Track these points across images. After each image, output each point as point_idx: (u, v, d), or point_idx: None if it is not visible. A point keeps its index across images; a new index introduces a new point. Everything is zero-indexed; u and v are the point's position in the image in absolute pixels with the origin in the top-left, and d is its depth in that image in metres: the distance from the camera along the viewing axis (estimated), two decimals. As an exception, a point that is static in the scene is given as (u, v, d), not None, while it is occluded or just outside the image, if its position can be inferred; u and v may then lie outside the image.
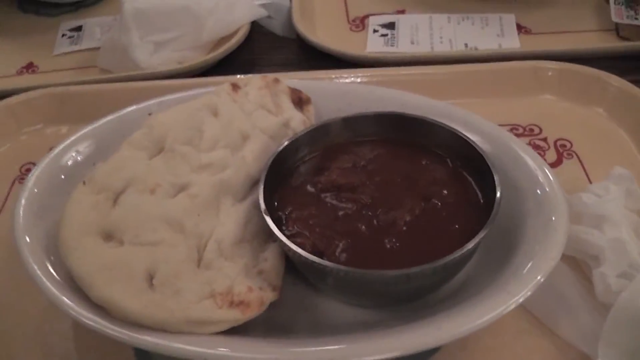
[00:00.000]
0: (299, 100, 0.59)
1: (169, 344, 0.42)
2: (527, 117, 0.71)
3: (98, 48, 0.86)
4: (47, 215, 0.51)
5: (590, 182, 0.63)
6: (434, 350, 0.49)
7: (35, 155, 0.60)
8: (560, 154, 0.67)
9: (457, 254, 0.44)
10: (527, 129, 0.70)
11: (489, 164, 0.50)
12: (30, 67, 0.88)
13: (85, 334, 0.52)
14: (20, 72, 0.87)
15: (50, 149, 0.57)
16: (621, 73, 0.72)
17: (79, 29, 0.93)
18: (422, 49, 0.84)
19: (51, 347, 0.52)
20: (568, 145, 0.68)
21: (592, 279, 0.52)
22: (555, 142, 0.69)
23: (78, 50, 0.90)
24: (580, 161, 0.66)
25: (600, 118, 0.71)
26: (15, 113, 0.74)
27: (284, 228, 0.48)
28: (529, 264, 0.46)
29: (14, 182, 0.68)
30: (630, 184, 0.57)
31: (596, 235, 0.53)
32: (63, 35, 0.92)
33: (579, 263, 0.55)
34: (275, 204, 0.50)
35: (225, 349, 0.42)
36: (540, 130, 0.70)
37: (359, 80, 0.72)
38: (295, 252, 0.45)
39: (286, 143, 0.53)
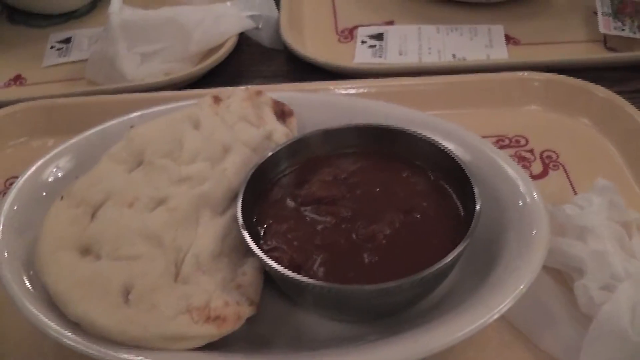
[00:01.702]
0: (282, 113, 0.59)
1: (143, 362, 0.42)
2: (513, 128, 0.71)
3: (86, 60, 0.85)
4: (28, 230, 0.51)
5: (576, 193, 0.63)
6: (416, 364, 0.49)
7: (21, 168, 0.60)
8: (546, 165, 0.67)
9: (435, 267, 0.43)
10: (513, 140, 0.70)
11: (469, 176, 0.49)
12: (18, 79, 0.88)
13: (66, 350, 0.51)
14: (8, 85, 0.87)
15: (31, 163, 0.56)
16: (609, 84, 0.72)
17: (68, 40, 0.93)
18: (410, 59, 0.84)
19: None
20: (554, 156, 0.68)
21: (574, 291, 0.51)
22: (541, 154, 0.68)
23: (67, 62, 0.90)
24: (566, 172, 0.66)
25: (587, 129, 0.71)
26: (0, 126, 0.73)
27: (262, 242, 0.48)
28: (509, 277, 0.46)
29: (-1, 196, 0.68)
30: (613, 195, 0.56)
31: (579, 248, 0.52)
32: (52, 47, 0.92)
33: (562, 275, 0.54)
34: (255, 217, 0.50)
35: (201, 365, 0.42)
36: (527, 141, 0.70)
37: (346, 91, 0.72)
38: (272, 267, 0.45)
39: (267, 156, 0.53)
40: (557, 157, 0.68)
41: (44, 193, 0.54)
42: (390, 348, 0.42)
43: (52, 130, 0.74)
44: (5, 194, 0.66)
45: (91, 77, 0.83)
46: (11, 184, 0.68)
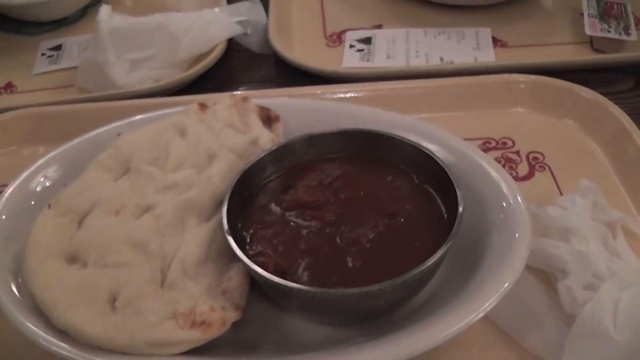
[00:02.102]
0: (268, 119, 0.60)
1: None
2: (500, 130, 0.72)
3: (77, 67, 0.86)
4: (16, 239, 0.51)
5: (562, 194, 0.64)
6: (401, 366, 0.50)
7: (11, 177, 0.61)
8: (533, 166, 0.68)
9: (417, 270, 0.44)
10: (500, 142, 0.71)
11: (452, 179, 0.50)
12: (8, 87, 0.88)
13: (57, 358, 0.52)
14: (-2, 93, 0.87)
15: (19, 173, 0.57)
16: (595, 85, 0.73)
17: (58, 47, 0.93)
18: (398, 63, 0.84)
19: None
20: (540, 157, 0.69)
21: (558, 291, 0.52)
22: (527, 155, 0.69)
23: (57, 69, 0.90)
24: (552, 174, 0.67)
25: (573, 130, 0.71)
26: (-9, 134, 0.74)
27: (247, 247, 0.48)
28: (491, 279, 0.46)
29: (-11, 204, 0.68)
30: (597, 196, 0.57)
31: (562, 248, 0.53)
32: (42, 54, 0.93)
33: (547, 275, 0.55)
34: (240, 223, 0.51)
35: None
36: (513, 143, 0.71)
37: (334, 96, 0.73)
38: (256, 272, 0.45)
39: (252, 162, 0.53)
40: (544, 158, 0.68)
41: (32, 202, 0.54)
42: (374, 350, 0.43)
43: (42, 139, 0.74)
44: (-5, 202, 0.67)
45: (81, 84, 0.84)
46: (1, 192, 0.69)
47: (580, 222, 0.54)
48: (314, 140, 0.56)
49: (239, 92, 0.62)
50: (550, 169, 0.67)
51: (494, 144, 0.71)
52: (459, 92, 0.74)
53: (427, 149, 0.53)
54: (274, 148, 0.55)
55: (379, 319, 0.49)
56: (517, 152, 0.69)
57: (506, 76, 0.74)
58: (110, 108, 0.74)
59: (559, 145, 0.70)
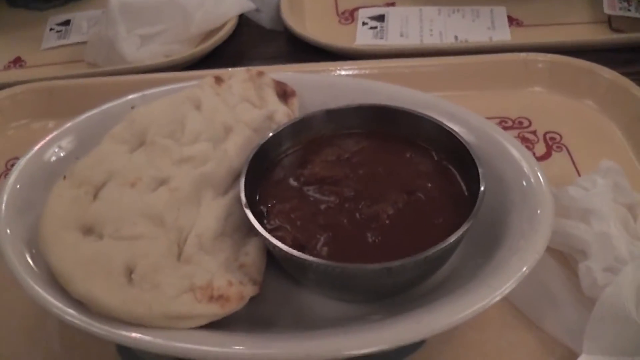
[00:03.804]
0: (284, 93, 0.59)
1: (148, 340, 0.41)
2: (516, 109, 0.71)
3: (86, 42, 0.85)
4: (30, 210, 0.50)
5: (580, 175, 0.63)
6: (419, 344, 0.49)
7: (22, 150, 0.60)
8: (550, 146, 0.67)
9: (439, 247, 0.43)
10: (516, 121, 0.70)
11: (474, 157, 0.49)
12: (18, 62, 0.87)
13: (70, 330, 0.51)
14: (7, 67, 0.87)
15: (33, 144, 0.56)
16: (613, 65, 0.71)
17: (67, 23, 0.93)
18: (411, 41, 0.83)
19: (35, 343, 0.51)
20: (557, 138, 0.68)
21: (578, 273, 0.51)
22: (544, 135, 0.68)
23: (66, 44, 0.89)
24: (569, 154, 0.66)
25: (591, 111, 0.70)
26: (1, 108, 0.73)
27: (265, 222, 0.47)
28: (513, 258, 0.45)
29: (0, 178, 0.67)
30: (619, 177, 0.56)
31: (583, 229, 0.52)
32: (51, 29, 0.92)
33: (565, 257, 0.54)
34: (257, 197, 0.50)
35: (203, 344, 0.41)
36: (530, 122, 0.70)
37: (347, 73, 0.72)
38: (275, 246, 0.44)
39: (269, 136, 0.53)
40: (561, 138, 0.68)
41: (46, 173, 0.53)
42: (393, 328, 0.42)
43: (52, 112, 0.73)
44: (6, 175, 0.67)
45: (91, 59, 0.83)
46: (12, 165, 0.68)
47: (602, 204, 0.53)
48: (331, 115, 0.55)
49: (254, 67, 0.61)
50: (567, 150, 0.66)
51: (510, 123, 0.70)
52: (475, 71, 0.73)
53: (447, 125, 0.52)
54: (291, 122, 0.54)
55: (396, 296, 0.49)
56: (534, 132, 0.68)
57: (524, 55, 0.73)
58: (122, 82, 0.73)
59: (577, 125, 0.69)
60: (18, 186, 0.51)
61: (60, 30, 0.91)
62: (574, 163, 0.65)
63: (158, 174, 0.49)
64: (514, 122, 0.70)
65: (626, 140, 0.66)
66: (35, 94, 0.74)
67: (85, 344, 0.50)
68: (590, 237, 0.52)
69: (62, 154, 0.55)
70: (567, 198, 0.55)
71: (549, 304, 0.51)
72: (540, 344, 0.49)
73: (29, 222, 0.49)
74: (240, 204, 0.48)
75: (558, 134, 0.68)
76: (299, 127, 0.54)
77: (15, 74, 0.85)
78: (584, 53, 0.74)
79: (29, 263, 0.46)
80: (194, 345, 0.41)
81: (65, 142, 0.56)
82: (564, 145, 0.67)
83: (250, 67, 0.61)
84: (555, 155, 0.66)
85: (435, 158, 0.53)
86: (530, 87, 0.73)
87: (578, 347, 0.47)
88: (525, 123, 0.70)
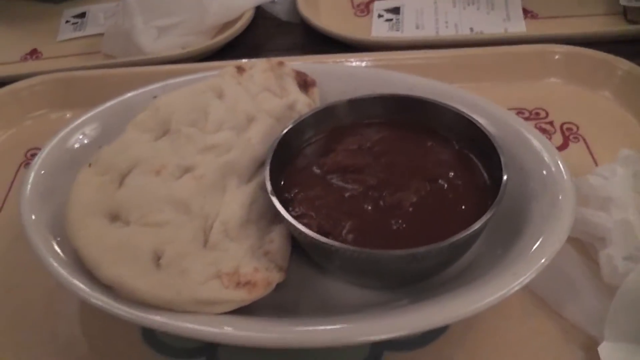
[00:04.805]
0: (304, 83, 0.59)
1: (176, 324, 0.42)
2: (533, 100, 0.71)
3: (102, 34, 0.86)
4: (53, 196, 0.51)
5: (597, 165, 0.63)
6: (442, 331, 0.50)
7: (40, 140, 0.61)
8: (567, 137, 0.67)
9: (464, 234, 0.43)
10: (533, 112, 0.70)
11: (495, 146, 0.49)
12: (34, 54, 0.88)
13: (92, 315, 0.52)
14: (24, 59, 0.87)
15: (57, 132, 0.57)
16: (629, 57, 0.72)
17: (82, 15, 0.93)
18: (427, 33, 0.84)
19: (57, 328, 0.52)
20: (574, 129, 0.68)
21: (598, 261, 0.51)
22: (561, 126, 0.68)
23: (82, 36, 0.90)
24: (586, 145, 0.66)
25: (607, 102, 0.70)
26: (19, 99, 0.74)
27: (290, 209, 0.48)
28: (535, 245, 0.45)
29: (19, 167, 0.68)
30: (638, 165, 0.56)
31: (603, 217, 0.53)
32: (67, 21, 0.92)
33: (584, 245, 0.54)
34: (281, 185, 0.50)
35: (231, 329, 0.42)
36: (547, 113, 0.70)
37: (364, 64, 0.72)
38: (301, 232, 0.45)
39: (292, 125, 0.53)
40: (578, 129, 0.68)
41: (69, 160, 0.54)
42: (419, 313, 0.42)
43: (70, 103, 0.74)
44: (26, 164, 0.68)
45: (108, 50, 0.83)
46: (32, 155, 0.69)
47: (621, 192, 0.54)
48: (353, 105, 0.55)
49: (274, 57, 0.61)
50: (584, 140, 0.66)
51: (527, 114, 0.70)
52: (492, 62, 0.74)
53: (469, 115, 0.53)
54: (314, 111, 0.54)
55: (419, 283, 0.49)
56: (551, 123, 0.69)
57: (540, 46, 0.73)
58: (140, 73, 0.73)
59: (593, 116, 0.69)
60: (42, 172, 0.52)
61: (76, 23, 0.92)
62: (591, 153, 0.65)
63: (182, 162, 0.50)
64: (530, 113, 0.70)
65: (643, 131, 0.67)
66: (53, 84, 0.75)
67: (108, 330, 0.51)
68: (610, 224, 0.52)
69: (85, 141, 0.56)
70: (587, 187, 0.55)
71: (569, 291, 0.51)
72: (561, 330, 0.50)
73: (52, 208, 0.50)
74: (265, 191, 0.48)
75: (575, 124, 0.68)
76: (321, 116, 0.55)
77: (32, 65, 0.86)
78: (599, 44, 0.74)
79: (54, 248, 0.47)
80: (223, 329, 0.42)
81: (89, 130, 0.57)
82: (581, 136, 0.67)
83: (270, 58, 0.61)
84: (572, 145, 0.66)
85: (456, 147, 0.53)
86: (547, 79, 0.73)
87: (599, 334, 0.47)
88: (542, 114, 0.70)
